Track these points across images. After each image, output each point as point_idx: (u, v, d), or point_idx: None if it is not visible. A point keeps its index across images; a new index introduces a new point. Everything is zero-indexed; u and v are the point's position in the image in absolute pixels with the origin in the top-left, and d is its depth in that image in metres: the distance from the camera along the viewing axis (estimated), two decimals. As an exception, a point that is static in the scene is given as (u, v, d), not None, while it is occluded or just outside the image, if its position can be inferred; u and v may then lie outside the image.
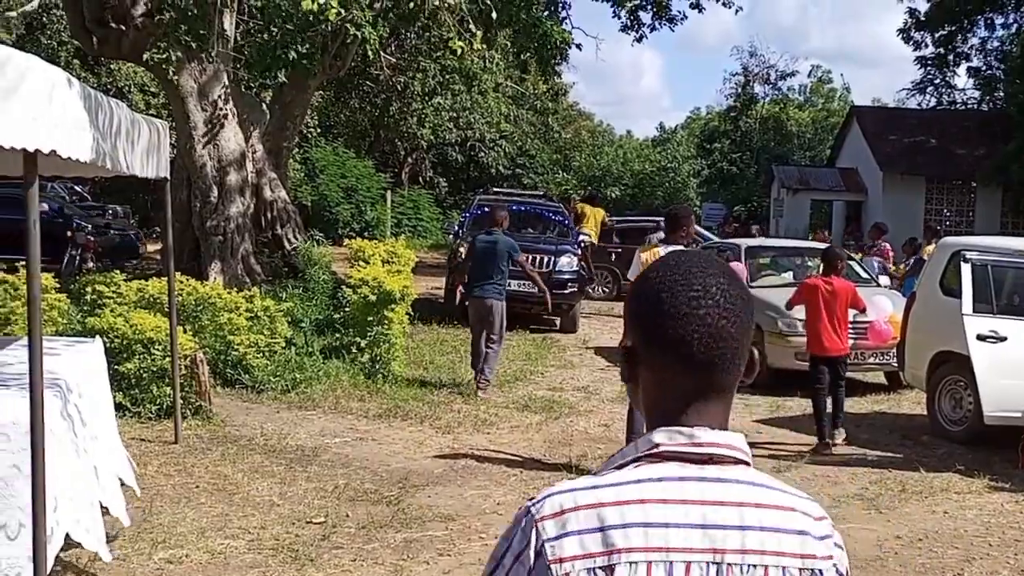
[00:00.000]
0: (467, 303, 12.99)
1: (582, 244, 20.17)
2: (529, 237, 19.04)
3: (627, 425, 9.21)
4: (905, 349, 11.73)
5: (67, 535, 5.60)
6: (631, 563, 1.59)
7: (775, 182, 40.74)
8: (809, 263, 15.40)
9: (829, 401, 10.64)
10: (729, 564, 1.61)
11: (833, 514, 6.41)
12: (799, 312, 12.48)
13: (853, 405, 12.35)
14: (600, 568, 1.58)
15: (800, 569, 1.65)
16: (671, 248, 8.99)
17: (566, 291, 17.73)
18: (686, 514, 1.61)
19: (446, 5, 12.96)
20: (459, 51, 12.71)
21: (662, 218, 12.80)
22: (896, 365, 12.38)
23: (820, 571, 1.66)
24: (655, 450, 1.67)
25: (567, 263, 18.10)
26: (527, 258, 16.97)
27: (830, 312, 10.52)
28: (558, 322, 18.29)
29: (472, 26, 12.34)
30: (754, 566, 1.62)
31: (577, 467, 9.27)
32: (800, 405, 12.46)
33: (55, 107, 4.66)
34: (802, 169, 43.22)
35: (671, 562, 1.60)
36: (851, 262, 14.82)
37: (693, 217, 9.74)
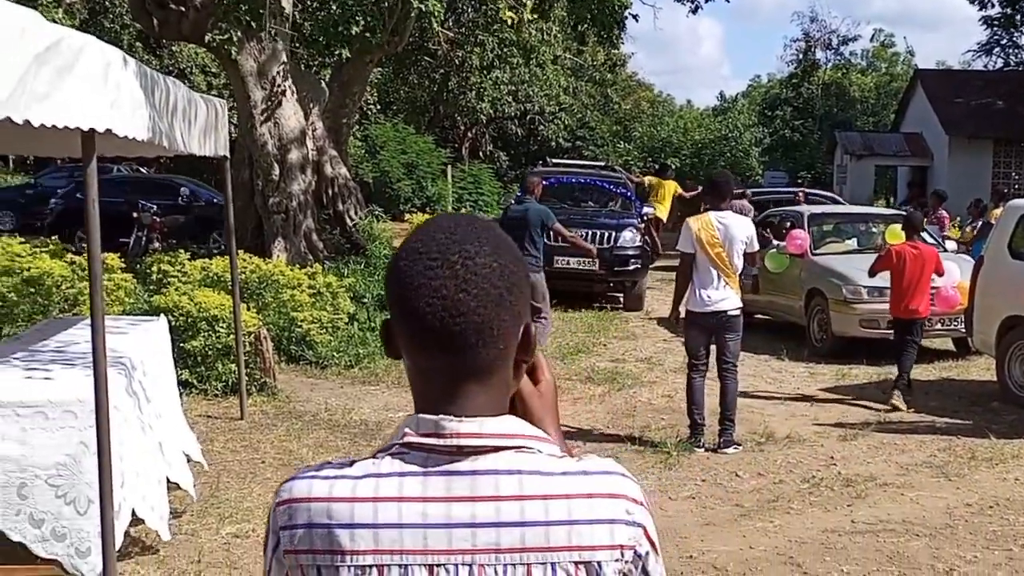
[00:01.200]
0: None
1: (645, 217, 19.61)
2: (589, 211, 18.51)
3: (687, 395, 9.13)
4: (973, 314, 11.53)
5: (133, 511, 5.68)
6: (359, 567, 1.46)
7: (838, 148, 40.24)
8: (873, 229, 15.18)
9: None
10: (481, 565, 1.46)
11: (902, 482, 6.34)
12: (863, 279, 12.46)
13: (921, 372, 12.18)
14: (325, 567, 1.48)
15: (576, 563, 1.47)
16: (721, 216, 8.82)
17: (629, 267, 17.02)
18: (424, 513, 1.46)
19: None
20: (510, 21, 12.54)
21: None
22: (964, 331, 12.18)
23: (599, 564, 1.47)
24: (403, 440, 1.50)
25: (629, 238, 17.16)
26: (584, 233, 16.51)
27: (916, 276, 10.69)
28: (622, 299, 17.65)
29: (524, -5, 12.19)
30: (512, 565, 1.46)
31: (640, 439, 9.24)
32: (867, 373, 12.32)
33: (111, 86, 4.67)
34: (865, 135, 42.65)
35: (407, 565, 1.46)
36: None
37: (733, 184, 9.50)
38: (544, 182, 18.68)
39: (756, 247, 9.05)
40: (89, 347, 6.07)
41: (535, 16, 13.90)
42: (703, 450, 8.86)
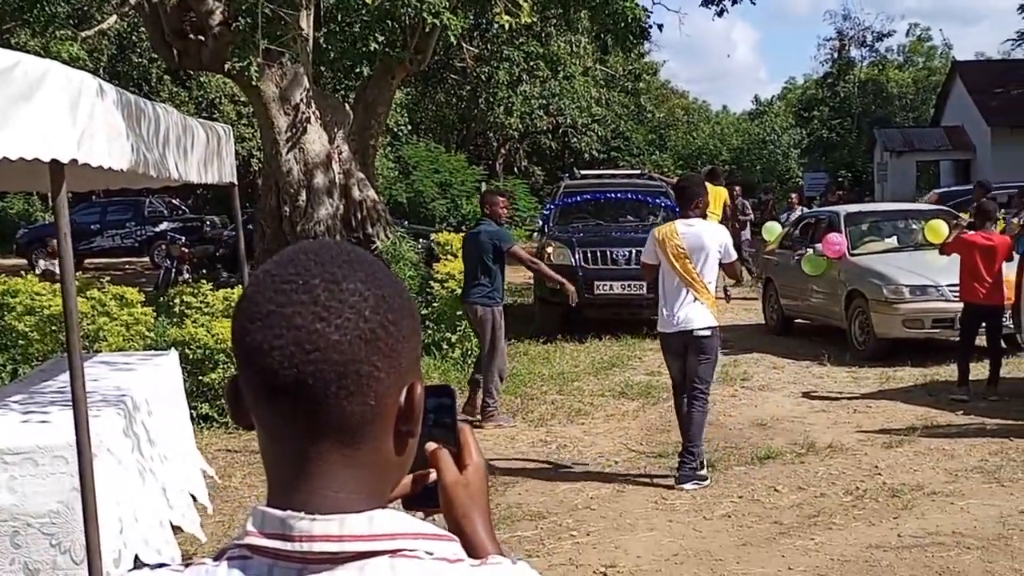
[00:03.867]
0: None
1: None
2: (628, 227, 16.77)
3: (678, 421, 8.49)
4: (1021, 309, 11.08)
5: (136, 557, 5.44)
6: None
7: (877, 146, 39.72)
8: (913, 226, 14.73)
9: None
10: None
11: (951, 490, 5.93)
12: (904, 278, 12.24)
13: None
14: None
15: None
16: (688, 223, 8.11)
17: None
18: None
19: None
20: (507, 26, 12.24)
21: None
22: (1013, 327, 11.73)
23: None
24: (244, 541, 1.15)
25: None
26: (626, 252, 14.90)
27: (987, 265, 10.57)
28: None
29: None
30: None
31: (673, 455, 8.88)
32: (912, 375, 11.90)
33: (81, 115, 4.43)
34: (905, 131, 42.08)
35: None
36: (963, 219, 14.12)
37: (706, 187, 8.62)
38: (572, 199, 18.09)
39: (733, 256, 8.27)
40: (91, 386, 5.84)
41: (533, 19, 13.49)
42: (691, 485, 8.15)
